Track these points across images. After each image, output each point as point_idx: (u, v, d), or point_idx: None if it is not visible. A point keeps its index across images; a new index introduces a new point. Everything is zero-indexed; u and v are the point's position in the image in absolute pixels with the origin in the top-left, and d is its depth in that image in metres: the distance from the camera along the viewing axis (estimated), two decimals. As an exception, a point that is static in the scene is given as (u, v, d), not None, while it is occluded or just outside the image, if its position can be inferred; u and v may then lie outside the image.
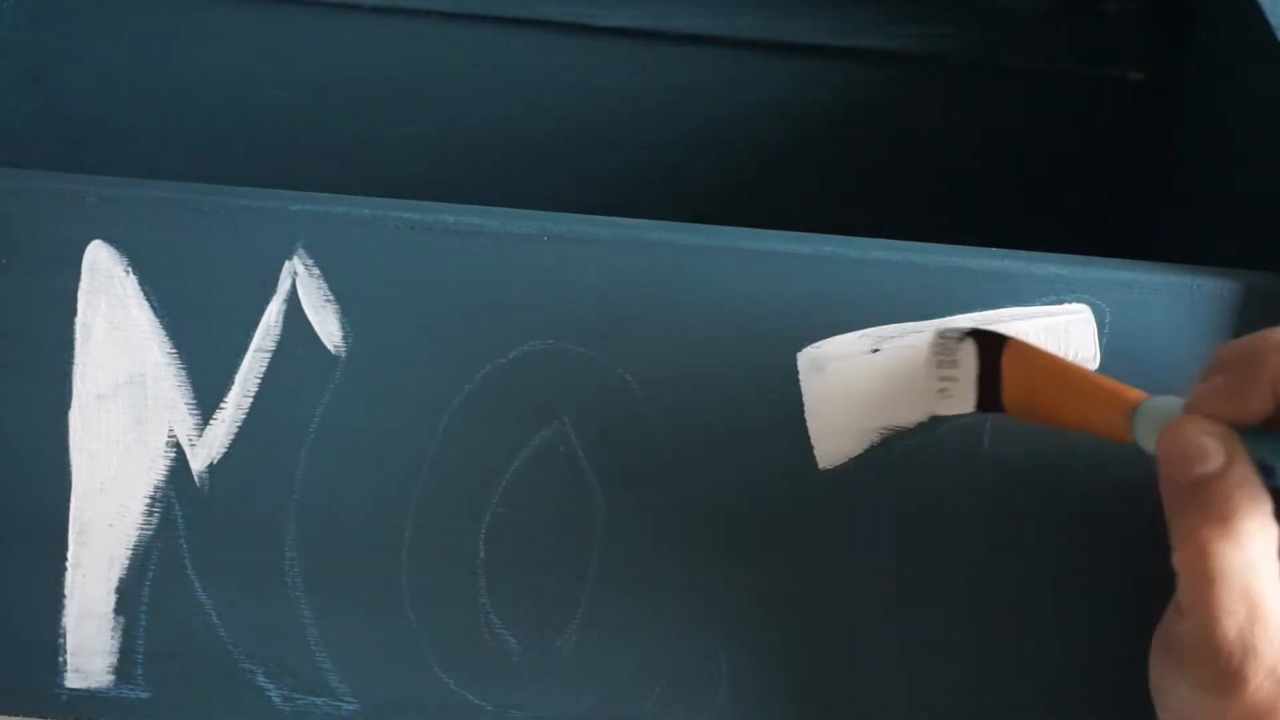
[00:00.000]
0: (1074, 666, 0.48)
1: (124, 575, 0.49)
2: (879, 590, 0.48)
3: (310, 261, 0.46)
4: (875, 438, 0.47)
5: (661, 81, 0.68)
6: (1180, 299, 0.45)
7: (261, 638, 0.49)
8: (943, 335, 0.45)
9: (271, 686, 0.49)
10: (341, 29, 0.68)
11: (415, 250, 0.46)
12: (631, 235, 0.46)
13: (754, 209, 0.69)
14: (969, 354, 0.44)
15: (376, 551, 0.48)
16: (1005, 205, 0.69)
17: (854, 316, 0.46)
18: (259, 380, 0.47)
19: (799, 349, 0.46)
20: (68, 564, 0.48)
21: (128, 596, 0.49)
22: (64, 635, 0.49)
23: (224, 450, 0.48)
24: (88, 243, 0.46)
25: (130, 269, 0.46)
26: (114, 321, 0.47)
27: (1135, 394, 0.42)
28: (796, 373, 0.46)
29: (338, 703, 0.50)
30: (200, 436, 0.47)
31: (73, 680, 0.49)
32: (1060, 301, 0.46)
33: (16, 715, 0.50)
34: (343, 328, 0.47)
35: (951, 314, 0.46)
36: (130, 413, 0.47)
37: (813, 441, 0.47)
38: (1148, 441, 0.41)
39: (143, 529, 0.48)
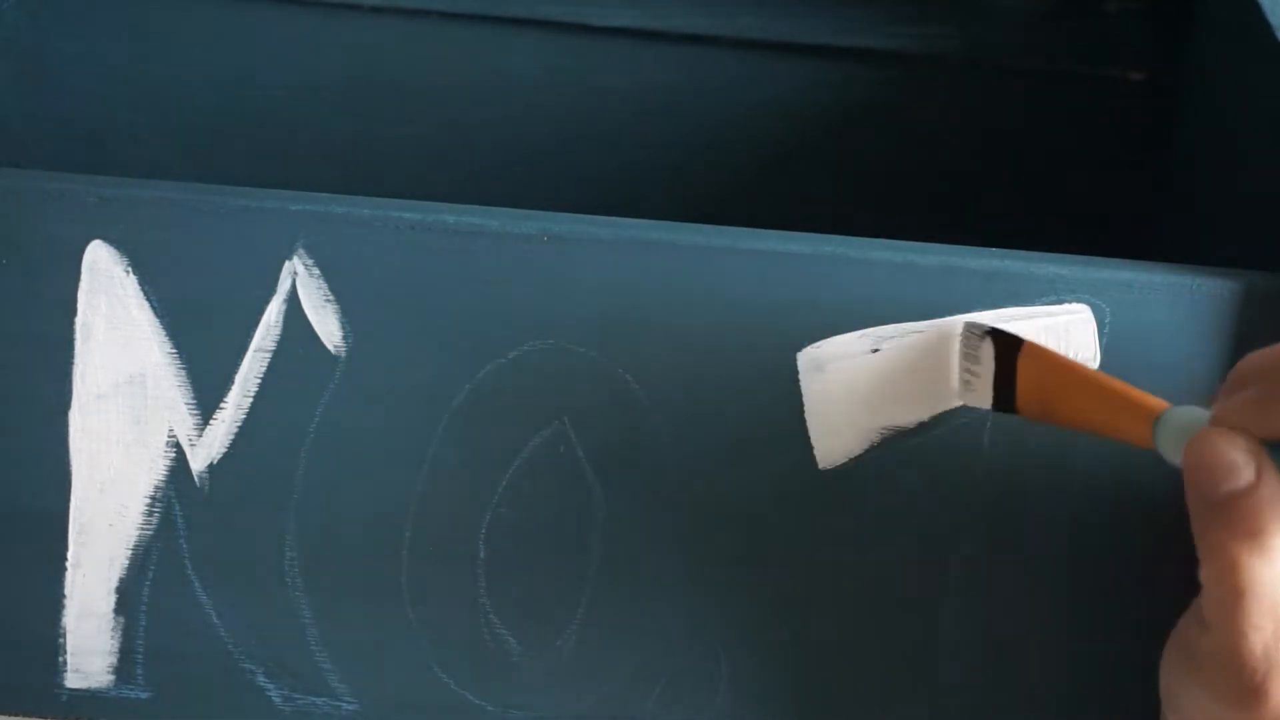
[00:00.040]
0: (1075, 667, 0.48)
1: (124, 575, 0.49)
2: (879, 590, 0.48)
3: (310, 261, 0.46)
4: (875, 438, 0.47)
5: (661, 81, 0.69)
6: (1180, 299, 0.45)
7: (261, 638, 0.49)
8: (969, 327, 0.45)
9: (271, 686, 0.49)
10: (341, 29, 0.68)
11: (415, 250, 0.46)
12: (631, 235, 0.46)
13: (754, 209, 0.69)
14: (988, 353, 0.44)
15: (376, 551, 0.48)
16: (1005, 205, 0.69)
17: (854, 316, 0.46)
18: (259, 380, 0.47)
19: (799, 349, 0.46)
20: (68, 564, 0.48)
21: (128, 596, 0.49)
22: (64, 635, 0.49)
23: (224, 450, 0.48)
24: (88, 243, 0.46)
25: (130, 269, 0.46)
26: (114, 321, 0.47)
27: (1158, 403, 0.41)
28: (796, 373, 0.46)
29: (338, 703, 0.50)
30: (200, 436, 0.47)
31: (73, 680, 0.49)
32: (1060, 301, 0.46)
33: (16, 715, 0.50)
34: (343, 328, 0.47)
35: (951, 314, 0.46)
36: (130, 413, 0.47)
37: (813, 441, 0.47)
38: (1172, 452, 0.41)
39: (143, 529, 0.48)
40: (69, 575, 0.49)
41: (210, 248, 0.46)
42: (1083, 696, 0.49)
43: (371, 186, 0.69)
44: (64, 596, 0.49)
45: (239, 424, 0.47)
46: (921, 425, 0.46)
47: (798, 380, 0.46)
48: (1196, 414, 0.41)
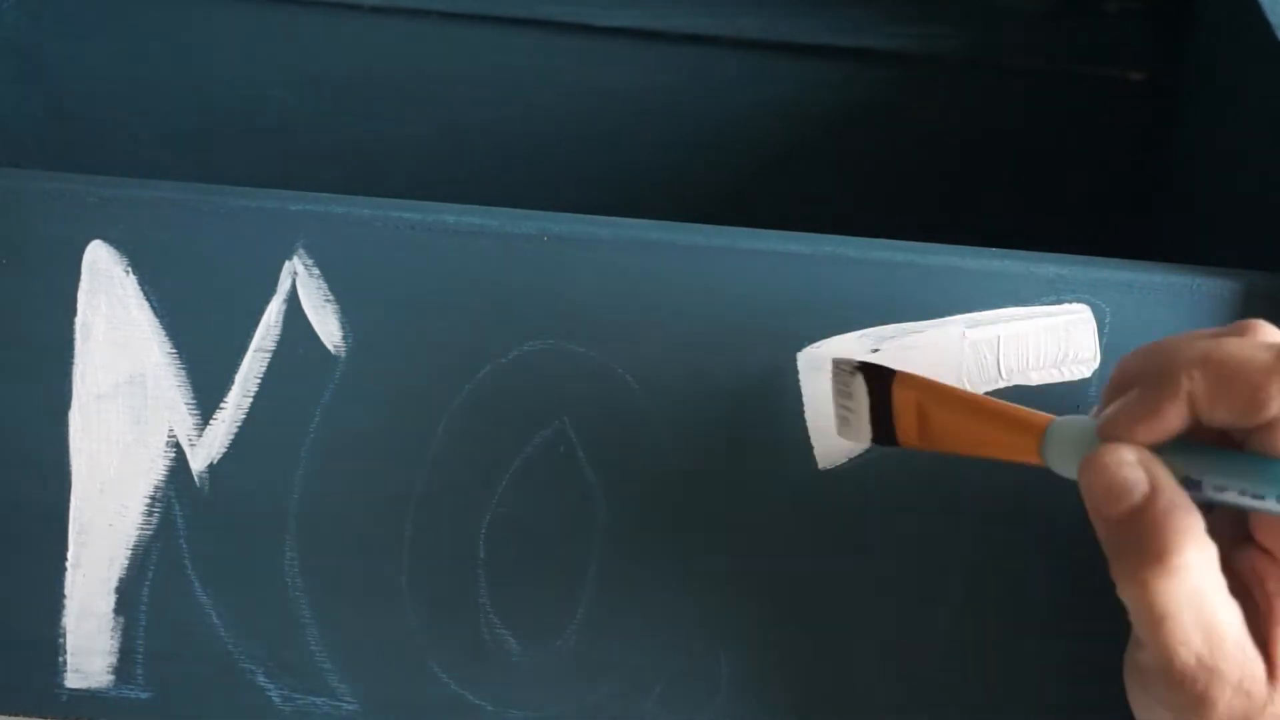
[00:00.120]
0: (1074, 667, 0.48)
1: (124, 575, 0.49)
2: (879, 591, 0.48)
3: (310, 261, 0.46)
4: (875, 438, 0.47)
5: (661, 81, 0.69)
6: (1180, 299, 0.45)
7: (261, 638, 0.49)
8: (838, 365, 0.44)
9: (271, 686, 0.49)
10: (341, 29, 0.68)
11: (415, 250, 0.46)
12: (631, 235, 0.46)
13: (754, 209, 0.69)
14: (860, 387, 0.43)
15: (376, 551, 0.48)
16: (1005, 205, 0.69)
17: (854, 316, 0.46)
18: (259, 380, 0.47)
19: (799, 349, 0.46)
20: (68, 564, 0.48)
21: (127, 596, 0.49)
22: (64, 635, 0.49)
23: (224, 450, 0.48)
24: (88, 243, 0.46)
25: (130, 269, 0.46)
26: (114, 321, 0.47)
27: (1041, 417, 0.41)
28: (796, 373, 0.46)
29: (338, 703, 0.50)
30: (200, 436, 0.47)
31: (73, 680, 0.49)
32: (1060, 301, 0.46)
33: (16, 715, 0.50)
34: (343, 328, 0.47)
35: (951, 314, 0.46)
36: (130, 413, 0.47)
37: (813, 441, 0.47)
38: (1062, 466, 0.40)
39: (143, 529, 0.48)
40: (69, 575, 0.49)
41: (210, 248, 0.46)
42: (1082, 697, 0.49)
43: (371, 186, 0.69)
44: (64, 596, 0.49)
45: (239, 424, 0.47)
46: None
47: (798, 380, 0.46)
48: (1082, 424, 0.40)
